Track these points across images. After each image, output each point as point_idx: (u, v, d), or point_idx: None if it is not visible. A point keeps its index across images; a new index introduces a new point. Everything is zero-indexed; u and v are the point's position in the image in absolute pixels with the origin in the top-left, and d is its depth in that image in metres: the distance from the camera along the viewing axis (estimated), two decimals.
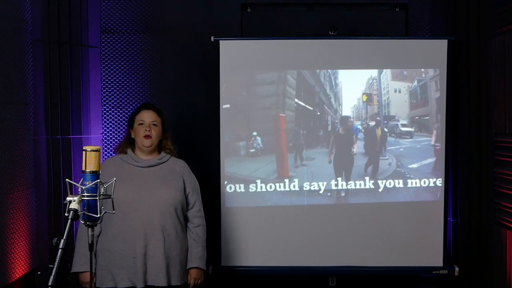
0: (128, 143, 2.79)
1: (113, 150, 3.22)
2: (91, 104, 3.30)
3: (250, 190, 3.27)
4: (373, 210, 3.29)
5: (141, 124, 2.73)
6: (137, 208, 2.60)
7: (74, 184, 1.87)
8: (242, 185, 3.27)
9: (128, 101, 3.43)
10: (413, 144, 3.28)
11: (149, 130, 2.71)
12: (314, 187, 3.27)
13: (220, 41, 3.24)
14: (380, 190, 3.27)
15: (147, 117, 2.74)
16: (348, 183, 3.28)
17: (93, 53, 3.34)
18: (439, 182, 3.27)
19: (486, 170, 3.24)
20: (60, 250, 1.73)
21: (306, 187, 3.27)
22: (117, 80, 3.43)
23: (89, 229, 1.90)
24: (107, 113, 3.43)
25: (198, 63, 3.42)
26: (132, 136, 2.76)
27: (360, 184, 3.28)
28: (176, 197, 2.69)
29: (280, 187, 3.27)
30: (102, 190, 1.90)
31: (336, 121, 3.28)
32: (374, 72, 3.26)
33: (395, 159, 3.29)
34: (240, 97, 3.27)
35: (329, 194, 3.28)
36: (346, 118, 3.28)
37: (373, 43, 3.25)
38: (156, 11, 3.43)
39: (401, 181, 3.28)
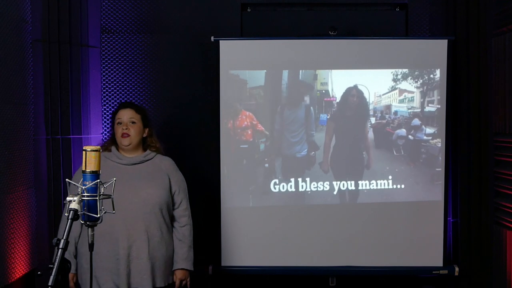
0: (112, 142, 2.77)
1: None
2: (91, 104, 3.30)
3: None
4: (373, 210, 3.29)
5: (119, 123, 2.72)
6: (120, 208, 2.55)
7: (74, 184, 1.87)
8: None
9: (128, 101, 3.43)
10: (413, 143, 3.28)
11: (126, 129, 2.69)
12: (315, 188, 3.27)
13: (220, 41, 3.24)
14: (380, 188, 3.28)
15: (124, 115, 2.73)
16: (349, 182, 3.28)
17: (93, 53, 3.33)
18: (439, 182, 3.27)
19: (486, 170, 3.24)
20: (60, 250, 1.73)
21: (307, 188, 3.28)
22: (117, 80, 3.43)
23: (89, 229, 1.89)
24: (107, 113, 3.43)
25: (198, 63, 3.42)
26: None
27: (362, 185, 3.28)
28: (161, 197, 2.64)
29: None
30: (102, 190, 1.90)
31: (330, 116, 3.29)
32: (374, 73, 3.26)
33: (396, 159, 3.29)
34: (240, 96, 3.27)
35: (329, 194, 3.29)
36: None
37: (373, 43, 3.25)
38: (156, 11, 3.43)
39: (400, 180, 3.29)
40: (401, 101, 3.27)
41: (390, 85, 3.27)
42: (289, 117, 3.27)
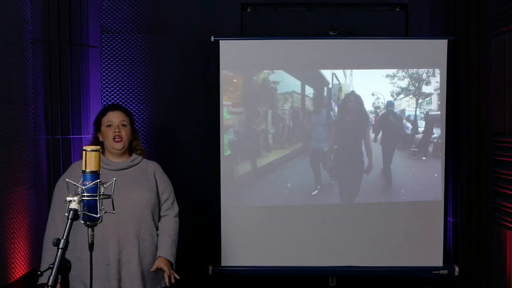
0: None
1: None
2: (91, 104, 3.30)
3: None
4: (373, 210, 3.29)
5: (110, 126, 2.63)
6: (110, 213, 2.51)
7: (74, 184, 1.87)
8: None
9: (128, 101, 3.43)
10: (413, 143, 3.28)
11: (118, 132, 2.62)
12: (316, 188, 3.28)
13: (220, 41, 3.24)
14: (380, 189, 3.28)
15: (115, 117, 2.64)
16: (349, 182, 3.29)
17: (93, 53, 3.34)
18: (439, 182, 3.27)
19: (486, 170, 3.24)
20: (60, 250, 1.73)
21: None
22: (117, 80, 3.43)
23: (89, 229, 1.89)
24: None
25: (198, 63, 3.42)
26: (101, 140, 2.66)
27: (362, 185, 3.28)
28: (151, 200, 2.61)
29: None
30: (102, 190, 1.90)
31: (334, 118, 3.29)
32: (374, 73, 3.26)
33: (396, 159, 3.29)
34: (239, 96, 3.27)
35: (329, 194, 3.29)
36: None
37: (373, 43, 3.25)
38: (156, 11, 3.44)
39: (401, 181, 3.29)
40: (401, 101, 3.27)
41: (390, 85, 3.26)
42: (312, 122, 3.29)
